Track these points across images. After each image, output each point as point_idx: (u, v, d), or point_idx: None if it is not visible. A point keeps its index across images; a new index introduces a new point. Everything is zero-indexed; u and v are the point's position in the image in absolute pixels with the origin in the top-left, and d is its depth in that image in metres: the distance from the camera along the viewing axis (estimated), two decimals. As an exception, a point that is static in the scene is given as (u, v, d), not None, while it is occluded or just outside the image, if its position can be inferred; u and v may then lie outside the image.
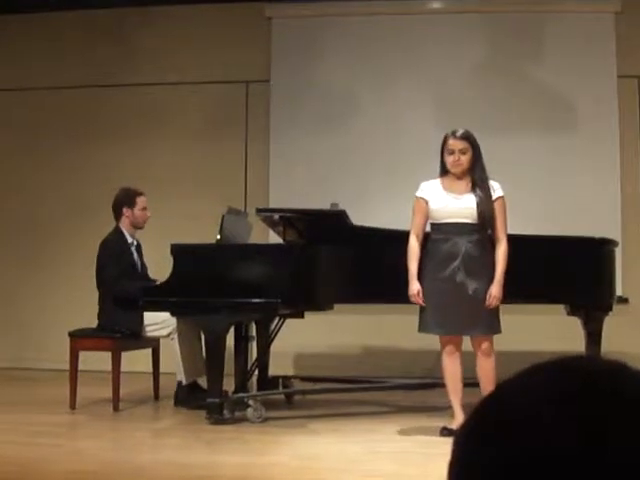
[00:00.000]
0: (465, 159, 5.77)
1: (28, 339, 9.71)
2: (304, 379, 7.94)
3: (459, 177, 5.81)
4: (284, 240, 6.93)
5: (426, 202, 5.81)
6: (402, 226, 6.77)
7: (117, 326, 6.90)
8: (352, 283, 6.61)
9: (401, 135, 9.29)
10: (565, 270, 6.51)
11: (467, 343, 5.92)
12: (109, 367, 6.85)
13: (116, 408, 6.81)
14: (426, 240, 5.87)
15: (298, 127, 9.46)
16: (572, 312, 6.82)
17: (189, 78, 9.77)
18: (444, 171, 5.88)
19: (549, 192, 8.84)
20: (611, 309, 6.77)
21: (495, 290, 5.65)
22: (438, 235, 5.78)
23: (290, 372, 8.59)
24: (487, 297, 5.65)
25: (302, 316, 7.21)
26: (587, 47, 9.15)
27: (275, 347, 7.49)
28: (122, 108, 9.89)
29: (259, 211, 6.99)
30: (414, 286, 5.74)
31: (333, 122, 9.41)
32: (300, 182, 9.27)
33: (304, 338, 8.63)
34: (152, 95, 9.81)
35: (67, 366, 6.95)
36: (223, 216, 6.71)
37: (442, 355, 5.86)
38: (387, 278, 6.60)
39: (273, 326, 7.25)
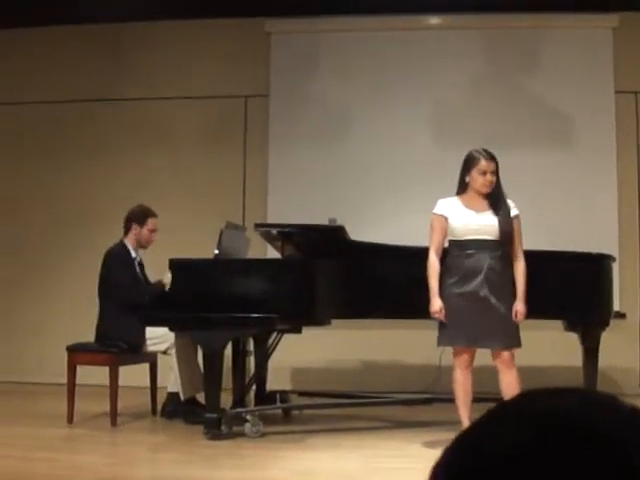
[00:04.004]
0: (494, 179, 5.89)
1: (26, 353, 9.70)
2: (302, 394, 7.93)
3: (480, 195, 5.88)
4: (282, 255, 6.94)
5: (445, 219, 5.88)
6: (400, 241, 6.79)
7: (120, 337, 6.89)
8: (350, 298, 6.61)
9: (399, 149, 9.31)
10: (563, 286, 6.51)
11: (478, 358, 5.96)
12: (107, 381, 6.84)
13: (114, 422, 6.80)
14: (444, 256, 5.93)
15: (297, 141, 9.48)
16: (569, 327, 6.82)
17: (188, 93, 9.79)
18: (463, 188, 5.93)
19: (546, 207, 8.84)
20: (608, 324, 6.77)
21: (521, 306, 5.79)
22: (460, 251, 5.85)
23: (288, 387, 8.58)
24: (514, 313, 5.78)
25: (300, 331, 7.21)
26: (585, 62, 9.18)
27: (273, 362, 7.50)
28: (121, 123, 9.90)
29: (258, 226, 7.00)
30: (436, 303, 5.81)
31: (332, 137, 9.42)
32: (298, 196, 9.28)
33: (302, 353, 8.62)
34: (151, 110, 9.83)
35: (65, 380, 6.95)
36: (221, 231, 6.71)
37: (455, 369, 5.90)
38: (385, 293, 6.61)
39: (271, 341, 7.26)
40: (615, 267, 7.06)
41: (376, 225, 8.69)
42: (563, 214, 8.93)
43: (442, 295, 5.84)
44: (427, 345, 8.00)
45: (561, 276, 6.57)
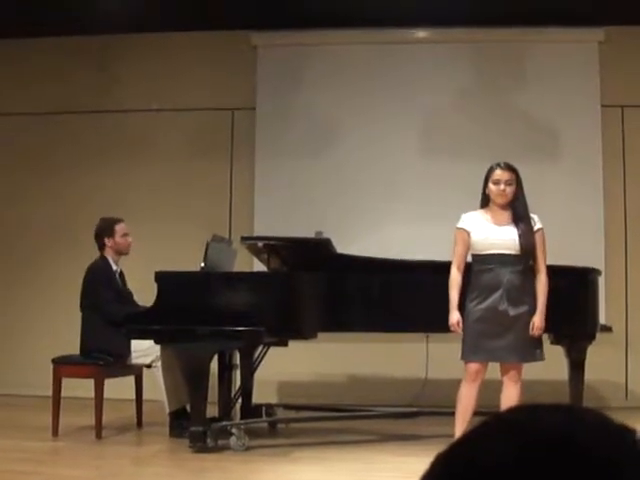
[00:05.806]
0: (510, 190, 5.89)
1: (11, 365, 9.64)
2: (288, 407, 7.91)
3: (501, 208, 5.89)
4: (268, 268, 6.93)
5: (468, 233, 5.87)
6: (387, 252, 6.79)
7: (106, 350, 6.87)
8: (336, 311, 6.60)
9: (386, 162, 9.30)
10: (549, 299, 6.50)
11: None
12: (92, 394, 6.81)
13: (99, 435, 6.77)
14: (468, 271, 5.91)
15: (283, 154, 9.47)
16: (555, 341, 6.82)
17: (176, 105, 9.77)
18: (485, 202, 5.95)
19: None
20: (594, 338, 6.78)
21: (538, 320, 5.78)
22: (481, 266, 5.84)
23: (274, 400, 8.56)
24: (530, 327, 5.76)
25: (286, 344, 7.20)
26: (571, 76, 9.20)
27: (259, 375, 7.47)
28: (106, 135, 9.86)
29: (244, 239, 7.00)
30: (454, 316, 5.81)
31: (318, 149, 9.42)
32: (285, 208, 9.27)
33: (288, 366, 8.60)
34: (138, 122, 9.80)
35: (50, 392, 6.91)
36: (208, 243, 6.70)
37: (463, 382, 5.88)
38: (371, 306, 6.60)
39: (257, 354, 7.24)
40: (601, 280, 7.07)
41: (363, 236, 8.69)
42: (549, 227, 8.89)
43: (464, 309, 5.83)
44: (413, 358, 8.02)
45: (548, 290, 6.57)
